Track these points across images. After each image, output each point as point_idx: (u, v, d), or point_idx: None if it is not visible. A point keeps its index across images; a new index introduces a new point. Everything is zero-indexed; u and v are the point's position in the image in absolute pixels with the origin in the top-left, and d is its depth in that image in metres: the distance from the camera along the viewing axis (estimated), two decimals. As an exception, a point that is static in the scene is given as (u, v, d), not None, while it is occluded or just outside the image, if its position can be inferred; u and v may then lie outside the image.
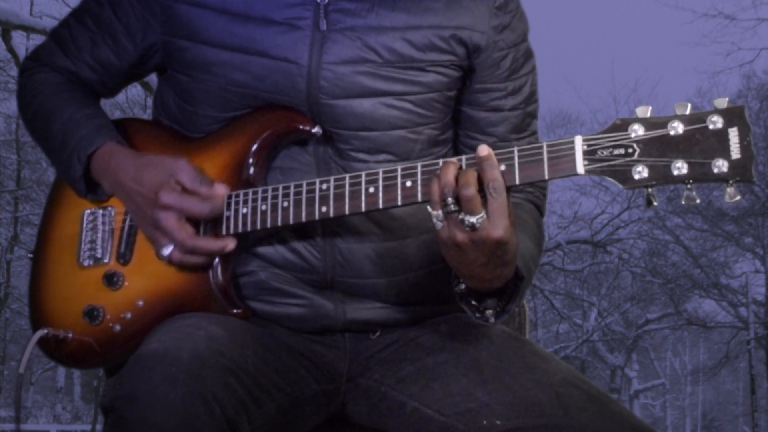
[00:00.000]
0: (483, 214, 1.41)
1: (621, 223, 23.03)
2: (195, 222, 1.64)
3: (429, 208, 1.45)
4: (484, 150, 1.44)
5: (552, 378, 1.55)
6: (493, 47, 1.70)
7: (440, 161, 1.51)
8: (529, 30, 1.78)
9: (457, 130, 1.78)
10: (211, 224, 1.65)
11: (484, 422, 1.52)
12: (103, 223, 1.75)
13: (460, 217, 1.42)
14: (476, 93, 1.73)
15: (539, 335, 26.08)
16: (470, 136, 1.76)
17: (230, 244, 1.62)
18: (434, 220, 1.45)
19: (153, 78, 1.90)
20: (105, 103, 1.96)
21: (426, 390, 1.61)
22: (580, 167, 1.43)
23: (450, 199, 1.42)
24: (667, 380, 33.81)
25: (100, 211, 1.76)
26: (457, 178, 1.43)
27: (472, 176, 1.42)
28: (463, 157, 1.50)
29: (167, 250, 1.63)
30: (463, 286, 1.55)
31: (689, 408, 37.62)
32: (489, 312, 1.55)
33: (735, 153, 1.36)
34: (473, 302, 1.55)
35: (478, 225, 1.41)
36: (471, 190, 1.41)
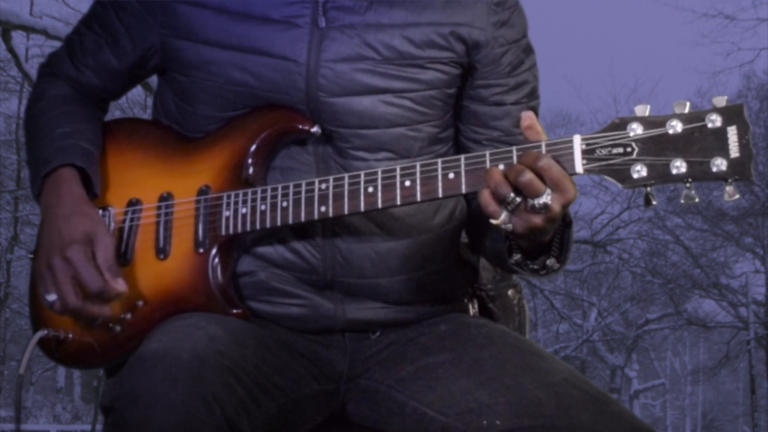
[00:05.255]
0: (547, 189, 1.42)
1: (621, 223, 23.04)
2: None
3: (492, 221, 1.45)
4: (526, 119, 1.47)
5: (552, 378, 1.54)
6: (493, 43, 1.70)
7: (439, 161, 1.52)
8: (528, 27, 1.78)
9: (459, 125, 1.78)
10: (210, 228, 1.65)
11: (484, 422, 1.51)
12: (103, 224, 1.75)
13: (530, 204, 1.43)
14: (478, 89, 1.74)
15: (539, 335, 26.06)
16: (474, 130, 1.77)
17: (108, 312, 1.62)
18: (502, 226, 1.46)
19: (153, 78, 1.90)
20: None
21: (426, 390, 1.60)
22: (579, 166, 1.43)
23: (511, 195, 1.43)
24: (667, 380, 33.79)
25: (100, 212, 1.75)
26: (504, 175, 1.43)
27: (517, 165, 1.43)
28: (462, 157, 1.51)
29: (51, 298, 1.62)
30: (518, 256, 1.58)
31: (689, 408, 37.59)
32: (551, 261, 1.57)
33: (734, 151, 1.37)
34: (532, 265, 1.58)
35: (549, 201, 1.42)
36: (527, 174, 1.41)
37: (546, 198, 1.42)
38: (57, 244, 1.63)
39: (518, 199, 1.43)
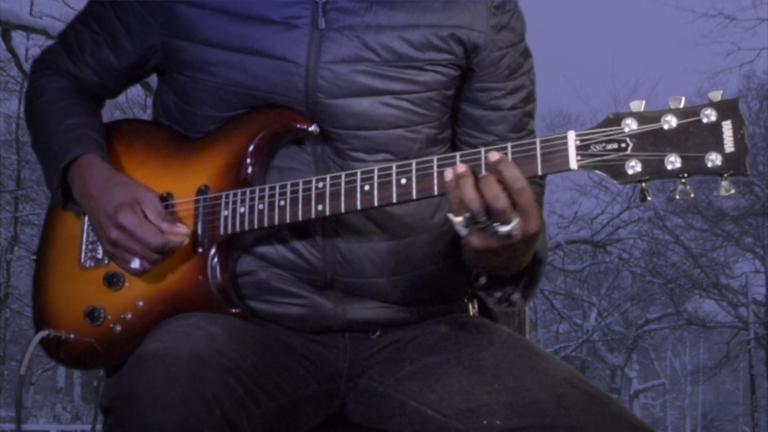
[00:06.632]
0: (517, 219, 1.40)
1: (621, 223, 22.99)
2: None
3: (450, 216, 1.43)
4: (494, 155, 1.40)
5: (552, 378, 1.54)
6: (492, 46, 1.70)
7: (434, 158, 1.51)
8: (527, 30, 1.78)
9: (456, 128, 1.78)
10: (209, 228, 1.66)
11: (484, 422, 1.51)
12: (104, 225, 1.75)
13: (494, 228, 1.40)
14: (476, 92, 1.74)
15: (539, 335, 26.05)
16: (470, 134, 1.77)
17: (182, 238, 1.63)
18: (457, 227, 1.43)
19: (153, 78, 1.91)
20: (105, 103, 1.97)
21: (426, 390, 1.61)
22: (573, 162, 1.42)
23: (482, 215, 1.39)
24: (667, 380, 33.76)
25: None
26: (478, 189, 1.39)
27: (495, 186, 1.39)
28: (458, 154, 1.49)
29: (135, 264, 1.64)
30: (483, 280, 1.57)
31: (689, 408, 37.56)
32: (516, 296, 1.57)
33: (729, 146, 1.36)
34: (496, 293, 1.58)
35: (515, 232, 1.40)
36: (502, 202, 1.38)
37: (512, 227, 1.39)
38: (105, 219, 1.65)
39: (487, 222, 1.40)
